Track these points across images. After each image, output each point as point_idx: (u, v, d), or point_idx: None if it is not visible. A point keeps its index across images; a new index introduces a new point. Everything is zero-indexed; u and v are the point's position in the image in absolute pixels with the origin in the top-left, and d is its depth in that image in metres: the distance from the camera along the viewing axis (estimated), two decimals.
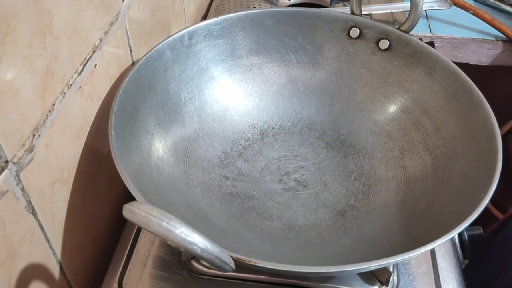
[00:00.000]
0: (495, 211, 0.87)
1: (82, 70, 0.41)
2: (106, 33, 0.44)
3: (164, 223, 0.28)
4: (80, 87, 0.41)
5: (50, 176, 0.39)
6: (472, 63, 0.78)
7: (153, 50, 0.50)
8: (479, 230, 0.54)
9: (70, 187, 0.42)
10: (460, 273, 0.48)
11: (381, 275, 0.45)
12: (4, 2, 0.30)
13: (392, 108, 0.55)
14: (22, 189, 0.35)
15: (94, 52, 0.43)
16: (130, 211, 0.28)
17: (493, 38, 0.77)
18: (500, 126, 0.44)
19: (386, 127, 0.55)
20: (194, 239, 0.29)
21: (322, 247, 0.46)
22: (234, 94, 0.57)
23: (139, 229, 0.50)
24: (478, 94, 0.47)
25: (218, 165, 0.53)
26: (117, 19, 0.46)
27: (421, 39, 0.54)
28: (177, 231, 0.28)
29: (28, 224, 0.36)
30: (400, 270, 0.47)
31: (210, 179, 0.51)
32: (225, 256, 0.32)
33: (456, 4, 0.77)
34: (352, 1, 0.56)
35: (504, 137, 0.44)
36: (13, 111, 0.32)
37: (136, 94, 0.47)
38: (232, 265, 0.32)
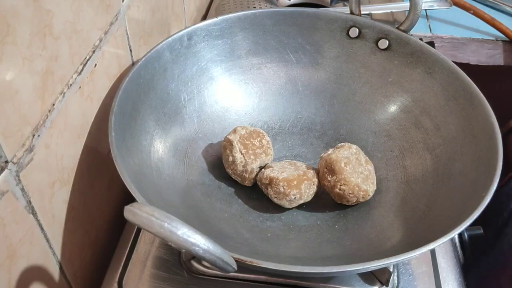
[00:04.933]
0: None
1: (82, 70, 0.41)
2: (106, 33, 0.44)
3: (166, 224, 0.28)
4: (80, 87, 0.41)
5: (50, 176, 0.39)
6: (472, 63, 0.78)
7: (152, 51, 0.49)
8: (479, 230, 0.54)
9: (70, 187, 0.42)
10: (460, 273, 0.48)
11: (381, 275, 0.45)
12: (4, 2, 0.30)
13: (392, 108, 0.55)
14: (22, 189, 0.35)
15: (94, 52, 0.42)
16: (131, 212, 0.28)
17: (493, 38, 0.77)
18: (500, 126, 0.44)
19: (386, 126, 0.55)
20: (197, 240, 0.29)
21: (322, 247, 0.46)
22: (233, 94, 0.57)
23: (139, 229, 0.50)
24: (478, 94, 0.47)
25: (218, 166, 0.53)
26: (117, 19, 0.46)
27: (421, 39, 0.54)
28: (179, 232, 0.28)
29: (28, 224, 0.36)
30: (400, 270, 0.47)
31: (210, 179, 0.51)
32: (227, 257, 0.31)
33: (456, 4, 0.77)
34: (351, 1, 0.57)
35: (504, 137, 0.44)
36: (13, 111, 0.32)
37: (135, 95, 0.47)
38: (234, 266, 0.32)
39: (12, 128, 0.32)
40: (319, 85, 0.59)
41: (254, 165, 0.49)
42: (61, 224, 0.42)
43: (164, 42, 0.51)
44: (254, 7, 0.80)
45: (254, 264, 0.34)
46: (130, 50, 0.51)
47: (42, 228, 0.38)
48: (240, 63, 0.58)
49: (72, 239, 0.44)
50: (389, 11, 0.75)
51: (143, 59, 0.48)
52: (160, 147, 0.49)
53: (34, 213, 0.37)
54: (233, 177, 0.51)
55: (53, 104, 0.37)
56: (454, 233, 0.36)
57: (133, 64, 0.52)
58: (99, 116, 0.46)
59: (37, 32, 0.34)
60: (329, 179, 0.47)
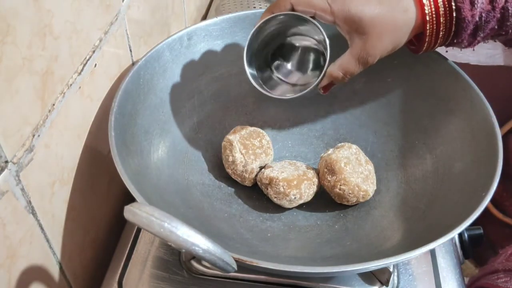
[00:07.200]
0: (495, 211, 0.87)
1: (82, 70, 0.41)
2: (106, 33, 0.44)
3: (166, 224, 0.28)
4: (80, 87, 0.41)
5: (50, 176, 0.39)
6: (472, 63, 0.78)
7: (152, 51, 0.49)
8: (479, 230, 0.54)
9: (70, 187, 0.42)
10: (460, 273, 0.48)
11: (381, 275, 0.45)
12: (4, 2, 0.30)
13: (392, 108, 0.55)
14: (22, 189, 0.35)
15: (94, 52, 0.42)
16: (131, 212, 0.28)
17: None
18: (500, 126, 0.44)
19: (386, 126, 0.55)
20: (196, 240, 0.29)
21: (322, 247, 0.46)
22: (233, 94, 0.57)
23: (139, 229, 0.50)
24: (478, 94, 0.47)
25: (218, 166, 0.53)
26: (117, 19, 0.46)
27: None
28: (179, 232, 0.28)
29: (28, 224, 0.36)
30: (400, 270, 0.47)
31: (210, 179, 0.51)
32: (227, 257, 0.31)
33: None
34: None
35: (504, 137, 0.44)
36: (13, 111, 0.32)
37: (135, 95, 0.47)
38: (234, 266, 0.32)
39: (12, 128, 0.32)
40: None
41: (254, 165, 0.49)
42: (61, 224, 0.42)
43: (164, 42, 0.51)
44: (254, 7, 0.80)
45: (254, 264, 0.34)
46: (130, 50, 0.51)
47: (42, 228, 0.38)
48: (240, 63, 0.58)
49: (72, 239, 0.44)
50: None
51: (143, 59, 0.48)
52: (160, 147, 0.49)
53: (34, 213, 0.37)
54: (233, 177, 0.51)
55: (53, 104, 0.37)
56: (454, 233, 0.36)
57: (133, 64, 0.52)
58: (99, 116, 0.46)
59: (37, 32, 0.34)
60: (329, 179, 0.47)
